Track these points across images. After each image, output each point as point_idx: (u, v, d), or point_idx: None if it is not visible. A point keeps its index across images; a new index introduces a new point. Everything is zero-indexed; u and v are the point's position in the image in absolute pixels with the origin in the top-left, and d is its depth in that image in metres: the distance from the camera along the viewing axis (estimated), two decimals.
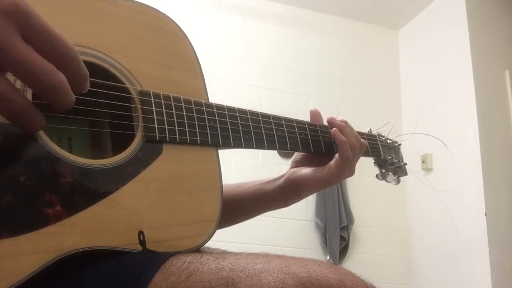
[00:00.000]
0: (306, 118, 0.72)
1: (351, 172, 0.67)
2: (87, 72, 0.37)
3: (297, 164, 0.70)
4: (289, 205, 0.69)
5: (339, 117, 0.72)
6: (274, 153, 2.19)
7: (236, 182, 0.74)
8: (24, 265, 0.37)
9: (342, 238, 2.57)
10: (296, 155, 0.71)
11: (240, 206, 0.70)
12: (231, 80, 2.76)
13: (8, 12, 0.31)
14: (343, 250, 2.59)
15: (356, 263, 2.61)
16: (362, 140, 0.69)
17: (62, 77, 0.34)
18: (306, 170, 0.67)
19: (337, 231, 2.56)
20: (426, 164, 2.65)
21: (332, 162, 0.66)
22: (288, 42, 3.02)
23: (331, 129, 0.69)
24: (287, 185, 0.68)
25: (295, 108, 2.85)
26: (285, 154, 2.53)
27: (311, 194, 0.69)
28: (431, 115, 2.73)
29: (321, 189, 0.68)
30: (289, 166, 0.71)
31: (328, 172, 0.65)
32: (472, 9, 2.61)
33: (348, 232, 2.60)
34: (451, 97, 2.61)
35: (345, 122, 0.69)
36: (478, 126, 2.37)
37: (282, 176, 0.69)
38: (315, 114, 0.72)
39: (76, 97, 0.43)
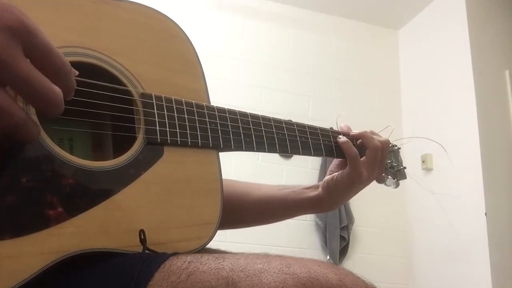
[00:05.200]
0: (306, 118, 0.72)
1: (374, 173, 0.71)
2: (75, 84, 0.38)
3: (331, 172, 0.75)
4: (326, 211, 0.76)
5: (339, 120, 0.77)
6: (274, 154, 2.20)
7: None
8: (26, 266, 0.37)
9: (342, 238, 2.57)
10: (331, 165, 0.76)
11: (282, 207, 0.74)
12: (231, 80, 2.76)
13: (13, 29, 0.32)
14: (343, 250, 2.59)
15: (356, 263, 2.61)
16: (381, 138, 0.73)
17: (59, 92, 0.35)
18: (335, 174, 0.73)
19: (337, 231, 2.56)
20: (426, 164, 2.65)
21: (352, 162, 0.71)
22: (288, 42, 3.02)
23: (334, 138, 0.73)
24: (323, 190, 0.73)
25: (295, 108, 2.87)
26: (285, 155, 2.53)
27: (345, 197, 0.73)
28: (431, 115, 2.74)
29: (351, 190, 0.72)
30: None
31: (345, 172, 0.70)
32: (472, 9, 2.61)
33: (348, 232, 2.60)
34: (451, 97, 2.61)
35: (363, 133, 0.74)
36: (478, 126, 2.37)
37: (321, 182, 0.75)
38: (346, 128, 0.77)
39: (78, 99, 0.43)
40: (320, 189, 0.73)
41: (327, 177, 0.73)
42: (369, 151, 0.70)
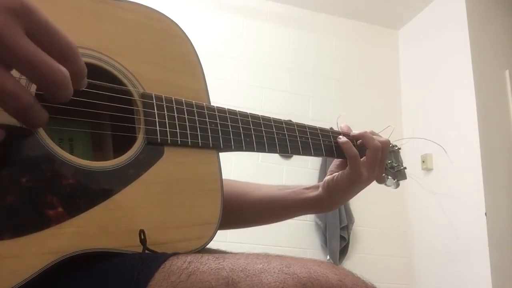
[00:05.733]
0: (306, 118, 0.72)
1: (374, 173, 0.71)
2: (85, 68, 0.37)
3: (332, 172, 0.74)
4: (326, 211, 0.75)
5: (339, 121, 0.77)
6: (274, 154, 2.20)
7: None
8: (25, 266, 0.37)
9: (342, 238, 2.57)
10: (332, 165, 0.76)
11: (282, 207, 0.74)
12: (231, 80, 2.76)
13: (14, 10, 0.31)
14: (343, 250, 2.59)
15: (356, 263, 2.61)
16: (381, 139, 0.73)
17: (65, 71, 0.34)
18: (336, 174, 0.72)
19: (337, 231, 2.56)
20: (426, 164, 2.65)
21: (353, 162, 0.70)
22: (288, 42, 3.01)
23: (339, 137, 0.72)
24: (323, 190, 0.73)
25: (295, 108, 2.87)
26: (285, 155, 2.53)
27: (345, 197, 0.73)
28: (431, 115, 2.74)
29: (351, 190, 0.72)
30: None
31: (345, 172, 0.70)
32: (472, 9, 2.61)
33: (348, 232, 2.60)
34: (451, 97, 2.61)
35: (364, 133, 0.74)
36: (478, 126, 2.37)
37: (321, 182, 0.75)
38: (346, 128, 0.77)
39: (78, 99, 0.43)
40: (320, 189, 0.73)
41: (327, 177, 0.73)
42: (369, 151, 0.70)
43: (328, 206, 0.73)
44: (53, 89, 0.34)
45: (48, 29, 0.34)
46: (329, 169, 0.75)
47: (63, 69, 0.34)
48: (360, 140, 0.72)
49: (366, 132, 0.72)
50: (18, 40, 0.31)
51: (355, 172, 0.69)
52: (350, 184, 0.70)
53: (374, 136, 0.72)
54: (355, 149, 0.70)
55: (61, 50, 0.34)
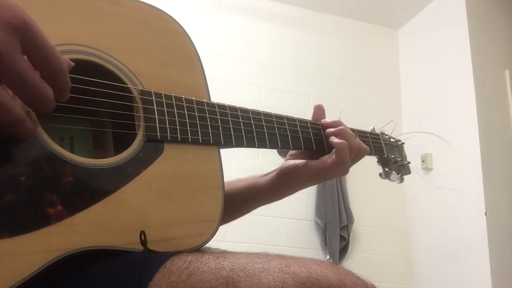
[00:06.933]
0: (306, 118, 0.71)
1: (343, 172, 0.66)
2: (70, 83, 0.39)
3: (292, 157, 0.71)
4: (280, 198, 0.70)
5: (341, 116, 0.74)
6: (274, 153, 2.20)
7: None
8: (25, 265, 0.37)
9: (342, 238, 2.57)
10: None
11: (234, 202, 0.69)
12: (231, 80, 2.76)
13: (16, 27, 0.32)
14: (343, 250, 2.59)
15: (356, 262, 2.61)
16: (362, 145, 0.68)
17: (51, 91, 0.36)
18: (299, 161, 0.68)
19: (337, 231, 2.56)
20: (426, 163, 2.64)
21: (327, 158, 0.65)
22: (288, 42, 3.01)
23: (324, 130, 0.68)
24: (279, 176, 0.69)
25: (295, 108, 2.85)
26: (285, 154, 2.53)
27: (302, 187, 0.69)
28: (431, 115, 2.73)
29: (311, 183, 0.68)
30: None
31: (320, 166, 0.65)
32: (472, 9, 2.61)
33: (348, 232, 2.60)
34: (451, 97, 2.61)
35: (343, 126, 0.68)
36: (478, 126, 2.37)
37: (276, 169, 0.70)
38: (318, 109, 0.71)
39: (78, 97, 0.43)
40: (275, 172, 0.69)
41: (286, 162, 0.69)
42: (337, 153, 0.65)
43: (282, 194, 0.70)
44: (38, 106, 0.36)
45: (43, 47, 0.35)
46: (290, 153, 0.71)
47: (49, 88, 0.36)
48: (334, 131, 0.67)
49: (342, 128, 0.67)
50: (14, 57, 0.33)
51: (329, 172, 0.64)
52: (315, 177, 0.66)
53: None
54: (348, 155, 0.64)
55: (51, 68, 0.36)
